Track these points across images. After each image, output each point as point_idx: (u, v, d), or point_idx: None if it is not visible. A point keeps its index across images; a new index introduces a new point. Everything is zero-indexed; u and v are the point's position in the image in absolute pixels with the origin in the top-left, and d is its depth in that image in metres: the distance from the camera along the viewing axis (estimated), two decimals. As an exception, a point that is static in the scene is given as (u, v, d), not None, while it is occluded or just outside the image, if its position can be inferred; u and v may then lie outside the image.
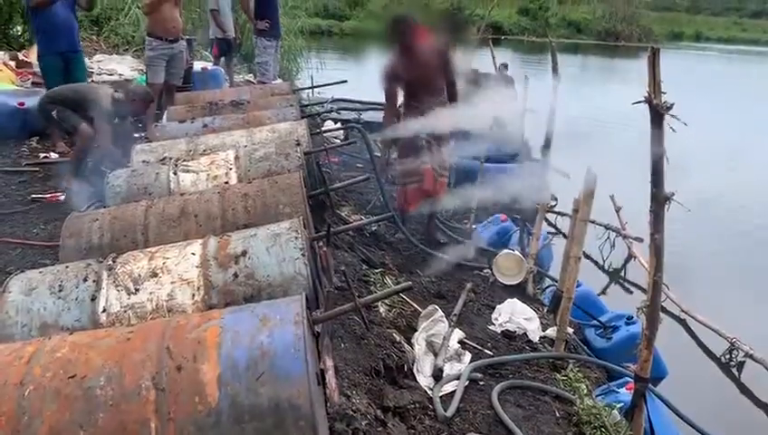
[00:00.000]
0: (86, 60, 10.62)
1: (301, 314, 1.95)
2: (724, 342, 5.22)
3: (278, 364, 1.82)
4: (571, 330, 4.63)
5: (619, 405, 3.73)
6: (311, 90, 7.64)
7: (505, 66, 10.09)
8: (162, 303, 2.44)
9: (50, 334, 2.32)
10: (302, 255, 2.56)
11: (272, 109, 5.58)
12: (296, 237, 2.61)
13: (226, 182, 3.78)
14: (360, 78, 8.62)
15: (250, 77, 10.64)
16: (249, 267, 2.53)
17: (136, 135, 6.53)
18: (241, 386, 1.79)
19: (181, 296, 2.46)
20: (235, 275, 2.51)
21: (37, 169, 6.18)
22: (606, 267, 7.12)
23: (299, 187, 3.27)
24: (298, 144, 3.99)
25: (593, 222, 6.68)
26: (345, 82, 6.74)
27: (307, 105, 5.81)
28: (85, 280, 2.51)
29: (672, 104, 3.02)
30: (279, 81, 9.34)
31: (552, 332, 4.55)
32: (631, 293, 6.74)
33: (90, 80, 9.92)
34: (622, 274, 7.05)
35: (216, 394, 1.79)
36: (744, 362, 5.11)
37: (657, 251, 3.26)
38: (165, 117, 6.79)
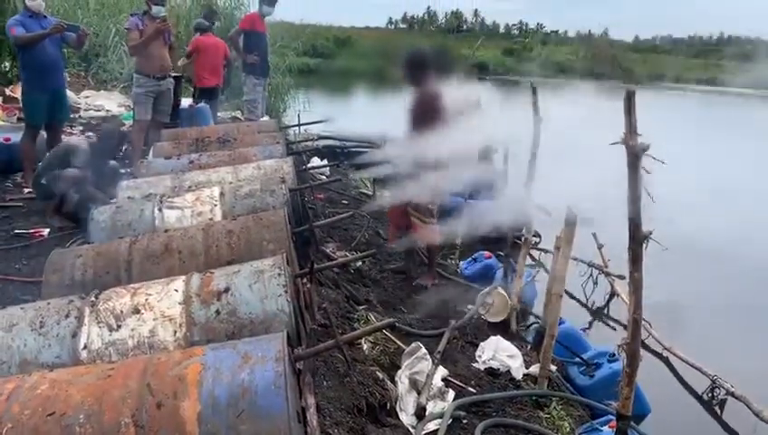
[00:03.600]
0: (74, 95, 10.74)
1: (282, 350, 1.97)
2: (706, 379, 5.23)
3: (259, 402, 1.83)
4: (554, 367, 4.63)
5: (605, 444, 3.73)
6: (297, 127, 7.72)
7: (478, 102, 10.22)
8: (144, 339, 2.44)
9: (29, 371, 2.31)
10: (285, 291, 2.57)
11: (258, 146, 5.63)
12: (279, 274, 2.63)
13: (211, 219, 3.80)
14: (347, 115, 8.73)
15: (237, 114, 10.72)
16: (231, 304, 2.54)
17: (122, 171, 6.55)
18: (221, 424, 1.79)
19: (163, 333, 2.46)
20: (218, 312, 2.52)
21: (21, 204, 6.17)
22: (589, 305, 7.15)
23: (283, 223, 3.30)
24: (283, 181, 4.03)
25: (576, 259, 6.76)
26: (327, 121, 6.81)
27: (293, 142, 5.86)
28: (67, 316, 2.51)
29: (648, 145, 3.10)
30: (266, 118, 9.40)
31: (535, 369, 4.55)
32: (615, 329, 6.75)
33: (77, 115, 10.00)
34: (605, 311, 7.07)
35: (196, 432, 1.79)
36: (726, 399, 5.12)
37: (636, 289, 3.30)
38: (151, 153, 6.84)
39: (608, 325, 6.91)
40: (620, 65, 42.62)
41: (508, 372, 4.54)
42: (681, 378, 5.55)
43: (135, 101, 7.56)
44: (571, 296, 6.97)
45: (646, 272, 3.16)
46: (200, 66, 9.10)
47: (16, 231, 5.45)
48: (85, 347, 2.41)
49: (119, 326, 2.46)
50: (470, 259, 6.93)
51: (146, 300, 2.55)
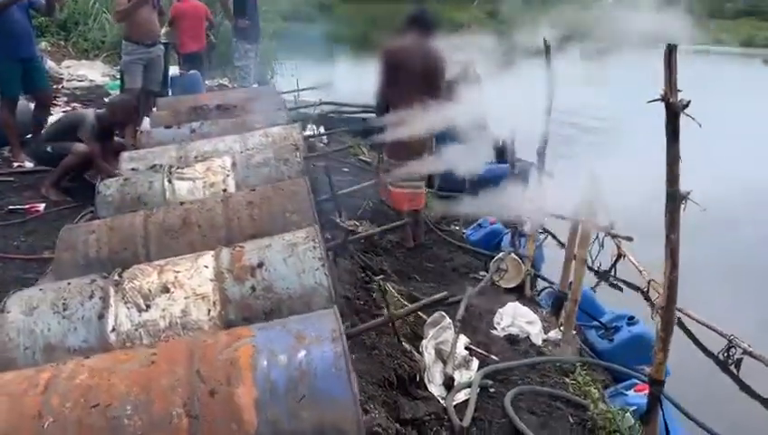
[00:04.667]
0: (54, 65, 10.37)
1: (338, 329, 1.83)
2: (721, 340, 5.20)
3: (320, 386, 1.70)
4: (573, 332, 4.57)
5: (631, 409, 3.66)
6: (296, 93, 7.50)
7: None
8: (176, 320, 2.29)
9: (55, 357, 2.16)
10: (322, 265, 2.43)
11: (260, 113, 5.43)
12: (314, 247, 2.48)
13: (224, 190, 3.63)
14: (340, 81, 8.52)
15: (224, 81, 10.41)
16: (267, 280, 2.39)
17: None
18: (281, 411, 1.67)
19: (196, 312, 2.32)
20: (253, 289, 2.37)
21: (12, 178, 5.93)
22: (595, 267, 7.08)
23: (305, 193, 3.14)
24: (297, 148, 3.86)
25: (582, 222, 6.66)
26: (326, 86, 6.59)
27: (293, 109, 5.67)
28: (91, 297, 2.35)
29: (688, 102, 2.97)
30: (255, 85, 9.14)
31: (553, 334, 4.48)
32: (621, 290, 6.72)
33: (60, 86, 9.65)
34: (612, 273, 7.01)
35: (255, 420, 1.66)
36: (743, 358, 5.09)
37: (672, 251, 3.20)
38: (148, 123, 6.62)
39: (615, 287, 6.86)
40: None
41: (527, 338, 4.46)
42: (696, 339, 5.52)
43: (124, 70, 7.28)
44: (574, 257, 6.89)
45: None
46: (182, 32, 8.81)
47: (11, 207, 5.22)
48: (114, 329, 2.27)
49: (148, 306, 2.31)
50: (475, 225, 6.82)
51: (175, 277, 2.40)
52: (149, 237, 2.97)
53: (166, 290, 2.35)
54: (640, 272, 6.42)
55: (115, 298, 2.34)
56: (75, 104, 8.54)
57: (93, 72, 10.63)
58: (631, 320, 4.76)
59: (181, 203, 3.26)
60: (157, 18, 7.17)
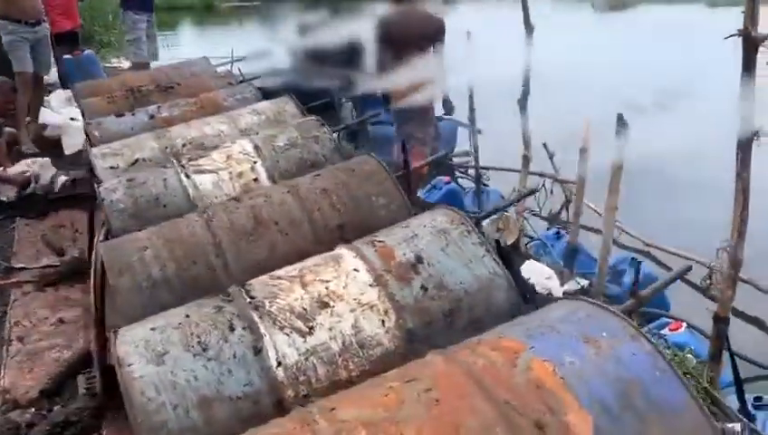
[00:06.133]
0: None
1: (628, 324, 1.56)
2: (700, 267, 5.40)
3: (653, 395, 1.42)
4: (585, 281, 4.55)
5: (687, 349, 3.68)
6: (230, 64, 6.79)
7: None
8: (349, 339, 1.89)
9: (216, 410, 1.72)
10: (488, 250, 2.12)
11: (213, 90, 4.83)
12: (468, 231, 2.16)
13: (255, 179, 3.14)
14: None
15: (116, 62, 9.30)
16: (434, 276, 2.04)
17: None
18: (627, 433, 1.38)
19: (369, 326, 1.93)
20: (423, 288, 2.01)
21: None
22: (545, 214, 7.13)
23: (384, 172, 2.77)
24: (322, 124, 3.42)
25: (532, 173, 6.65)
26: (265, 55, 6.03)
27: (242, 81, 5.10)
28: (232, 329, 1.88)
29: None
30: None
31: (571, 286, 4.44)
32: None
33: None
34: (562, 216, 7.10)
35: (600, 449, 1.36)
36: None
37: (744, 190, 3.20)
38: (48, 114, 5.80)
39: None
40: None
41: (549, 293, 4.38)
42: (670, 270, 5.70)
43: (8, 51, 6.23)
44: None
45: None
46: (51, 8, 7.71)
47: None
48: (279, 364, 1.82)
49: (311, 328, 1.88)
50: (429, 187, 6.61)
51: (326, 288, 1.98)
52: (221, 245, 2.48)
53: (324, 305, 1.93)
54: (598, 213, 6.54)
55: (264, 324, 1.89)
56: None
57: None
58: (633, 261, 4.80)
59: (234, 199, 2.75)
60: None
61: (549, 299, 4.34)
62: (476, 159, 6.44)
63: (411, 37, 4.79)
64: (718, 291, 5.31)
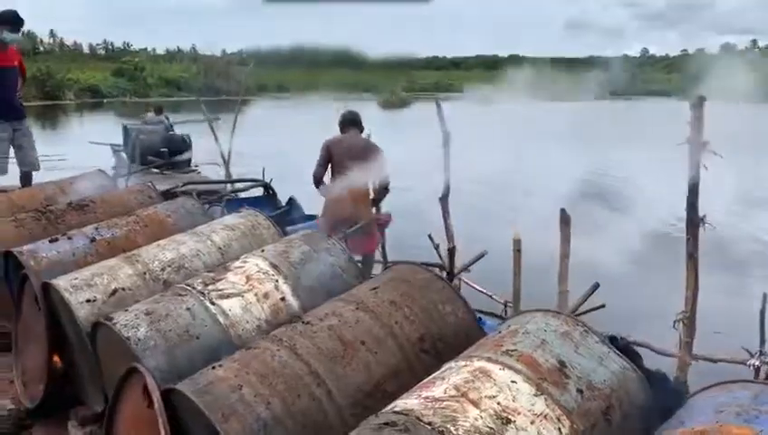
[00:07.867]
0: None
1: None
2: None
3: None
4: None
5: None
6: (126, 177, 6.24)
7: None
8: (539, 452, 1.92)
9: None
10: (609, 347, 2.27)
11: (136, 207, 4.53)
12: (586, 331, 2.30)
13: (282, 298, 3.02)
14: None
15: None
16: (582, 377, 2.15)
17: None
18: None
19: (548, 435, 1.97)
20: (579, 391, 2.10)
21: None
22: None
23: (439, 279, 2.84)
24: (328, 235, 3.39)
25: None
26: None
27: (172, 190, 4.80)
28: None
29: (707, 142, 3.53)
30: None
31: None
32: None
33: None
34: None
35: None
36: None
37: (693, 267, 3.73)
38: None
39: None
40: (236, 78, 43.63)
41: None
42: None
43: None
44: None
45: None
46: None
47: None
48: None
49: (502, 445, 1.89)
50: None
51: (498, 404, 1.99)
52: (318, 373, 2.36)
53: (507, 421, 1.94)
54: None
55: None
56: None
57: None
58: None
59: (305, 322, 2.61)
60: None
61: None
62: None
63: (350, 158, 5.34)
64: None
